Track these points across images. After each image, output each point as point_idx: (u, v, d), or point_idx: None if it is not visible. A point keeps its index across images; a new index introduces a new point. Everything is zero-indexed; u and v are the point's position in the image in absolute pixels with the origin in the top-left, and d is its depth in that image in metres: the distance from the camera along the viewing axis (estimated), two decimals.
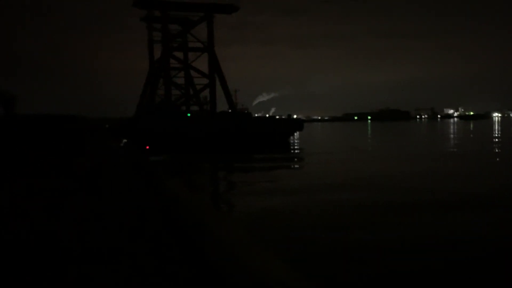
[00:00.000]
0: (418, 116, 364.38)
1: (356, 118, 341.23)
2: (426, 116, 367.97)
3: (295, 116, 76.35)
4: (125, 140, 25.95)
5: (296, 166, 32.98)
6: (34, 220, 6.27)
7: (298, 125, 62.70)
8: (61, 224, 6.02)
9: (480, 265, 9.37)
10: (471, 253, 10.04)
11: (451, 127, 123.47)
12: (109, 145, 25.19)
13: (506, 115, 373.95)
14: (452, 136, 71.30)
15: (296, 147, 52.06)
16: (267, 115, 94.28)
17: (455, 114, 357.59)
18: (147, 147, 44.80)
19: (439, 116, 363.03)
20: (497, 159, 33.57)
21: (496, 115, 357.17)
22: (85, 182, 10.22)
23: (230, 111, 64.82)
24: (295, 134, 66.37)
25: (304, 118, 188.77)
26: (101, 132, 47.60)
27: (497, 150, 40.76)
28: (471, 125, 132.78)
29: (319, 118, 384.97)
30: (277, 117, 75.55)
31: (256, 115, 76.14)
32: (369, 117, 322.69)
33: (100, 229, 5.70)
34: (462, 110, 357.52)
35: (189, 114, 60.35)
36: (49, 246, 4.89)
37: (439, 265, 9.33)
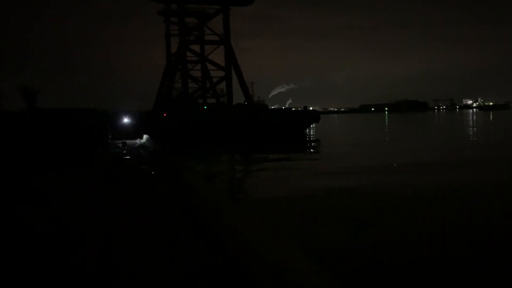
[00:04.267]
0: (436, 107, 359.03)
1: (373, 109, 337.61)
2: (444, 107, 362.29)
3: (311, 108, 76.02)
4: (144, 134, 26.40)
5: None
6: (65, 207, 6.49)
7: (314, 116, 62.47)
8: (85, 210, 6.22)
9: None
10: None
11: (470, 117, 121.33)
12: (127, 138, 25.58)
13: None
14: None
15: (312, 142, 51.93)
16: (283, 107, 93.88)
17: (474, 104, 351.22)
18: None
19: (457, 106, 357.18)
20: None
21: None
22: (106, 172, 10.48)
23: (246, 103, 64.78)
24: (311, 125, 66.16)
25: (320, 110, 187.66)
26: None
27: None
28: (491, 116, 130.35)
29: (336, 109, 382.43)
30: (293, 109, 75.22)
31: (272, 107, 75.95)
32: (386, 109, 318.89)
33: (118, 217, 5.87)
34: (482, 100, 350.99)
35: (205, 107, 60.53)
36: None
37: None
